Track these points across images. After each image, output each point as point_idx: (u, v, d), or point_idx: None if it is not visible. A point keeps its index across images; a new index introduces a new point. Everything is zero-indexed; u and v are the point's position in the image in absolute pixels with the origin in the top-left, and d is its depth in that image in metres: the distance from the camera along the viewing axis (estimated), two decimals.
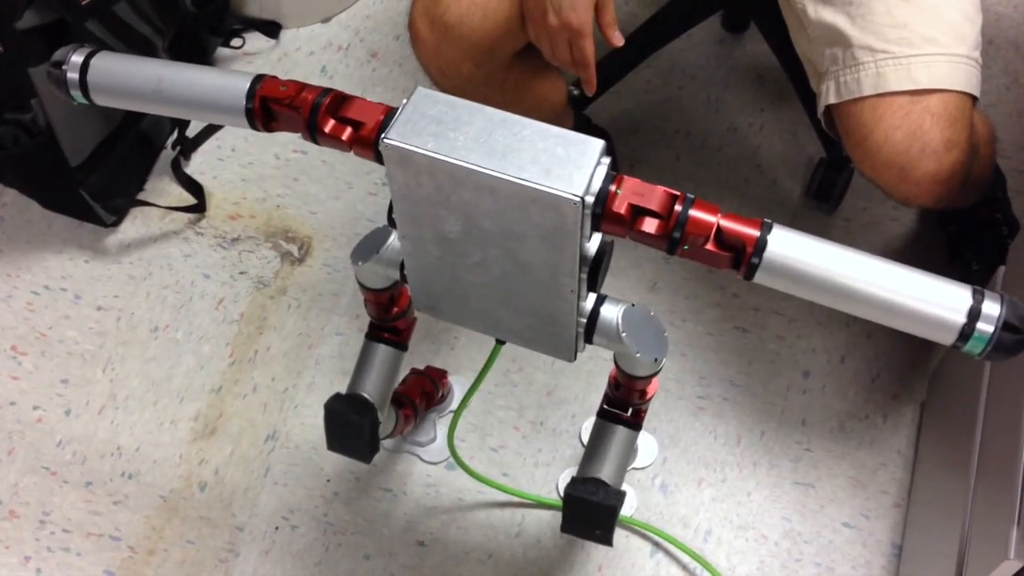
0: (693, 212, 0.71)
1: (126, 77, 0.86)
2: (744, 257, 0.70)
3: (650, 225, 0.71)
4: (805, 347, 1.44)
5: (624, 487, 1.21)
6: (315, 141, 0.81)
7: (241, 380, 1.47)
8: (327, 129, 0.79)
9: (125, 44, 1.49)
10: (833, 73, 1.08)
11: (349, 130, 0.78)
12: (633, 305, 0.89)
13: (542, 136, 0.70)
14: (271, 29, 1.78)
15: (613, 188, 0.70)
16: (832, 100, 1.08)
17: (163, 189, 1.65)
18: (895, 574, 1.28)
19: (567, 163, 0.69)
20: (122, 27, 1.48)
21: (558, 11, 1.02)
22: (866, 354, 1.42)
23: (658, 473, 1.36)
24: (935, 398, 1.34)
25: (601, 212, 0.70)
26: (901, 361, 1.41)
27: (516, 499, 1.35)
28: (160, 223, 1.62)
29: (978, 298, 0.69)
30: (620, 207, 0.70)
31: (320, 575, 1.33)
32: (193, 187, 1.62)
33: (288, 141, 1.67)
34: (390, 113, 0.76)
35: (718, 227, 0.71)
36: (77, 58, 0.86)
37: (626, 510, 1.32)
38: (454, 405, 1.40)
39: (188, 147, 1.66)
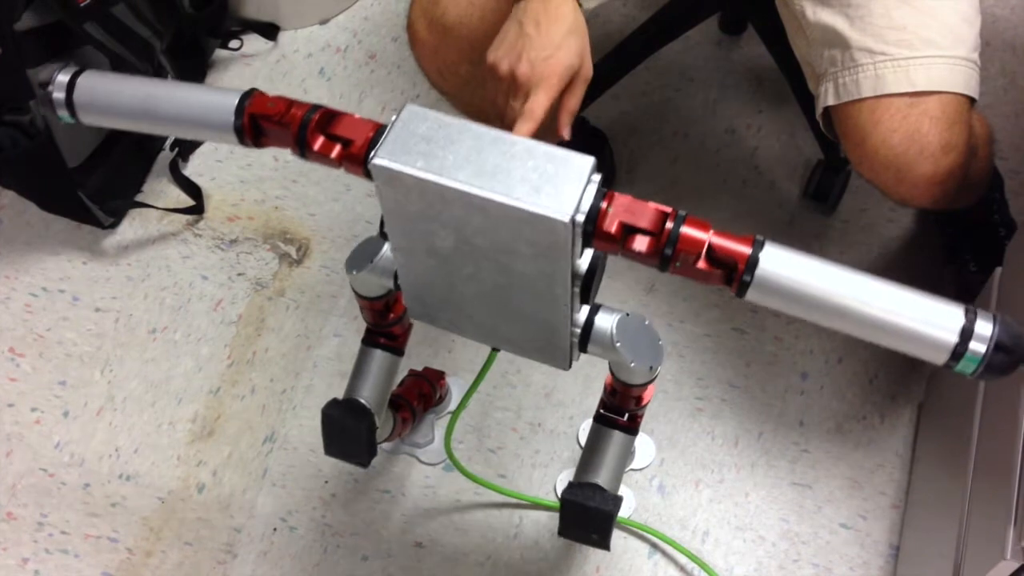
0: (684, 229, 0.70)
1: (113, 95, 0.85)
2: (736, 274, 0.70)
3: (641, 243, 0.70)
4: (803, 348, 1.44)
5: (622, 488, 1.21)
6: (304, 158, 0.80)
7: (239, 382, 1.47)
8: (316, 147, 0.78)
9: (123, 46, 1.49)
10: (831, 75, 1.08)
11: (338, 147, 0.77)
12: (628, 314, 0.89)
13: (532, 154, 0.69)
14: (269, 31, 1.78)
15: (604, 205, 0.70)
16: (830, 102, 1.08)
17: (161, 191, 1.65)
18: (892, 575, 1.29)
19: (557, 182, 0.68)
20: (120, 29, 1.48)
21: (533, 63, 0.91)
22: (864, 355, 1.42)
23: (656, 474, 1.36)
24: (933, 399, 1.34)
25: (592, 230, 0.70)
26: (899, 362, 1.42)
27: (514, 500, 1.35)
28: (158, 225, 1.62)
29: (970, 317, 0.68)
30: (611, 226, 0.70)
31: None
32: (191, 189, 1.62)
33: None
34: (380, 130, 0.75)
35: (709, 244, 0.70)
36: (63, 77, 0.84)
37: (624, 511, 1.32)
38: (452, 406, 1.40)
39: (186, 149, 1.66)
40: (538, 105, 0.90)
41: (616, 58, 1.50)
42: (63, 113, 0.85)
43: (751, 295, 0.70)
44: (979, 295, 1.20)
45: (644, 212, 0.70)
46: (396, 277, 0.91)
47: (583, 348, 0.88)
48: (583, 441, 1.37)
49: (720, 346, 1.45)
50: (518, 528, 1.34)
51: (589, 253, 0.77)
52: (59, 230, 1.62)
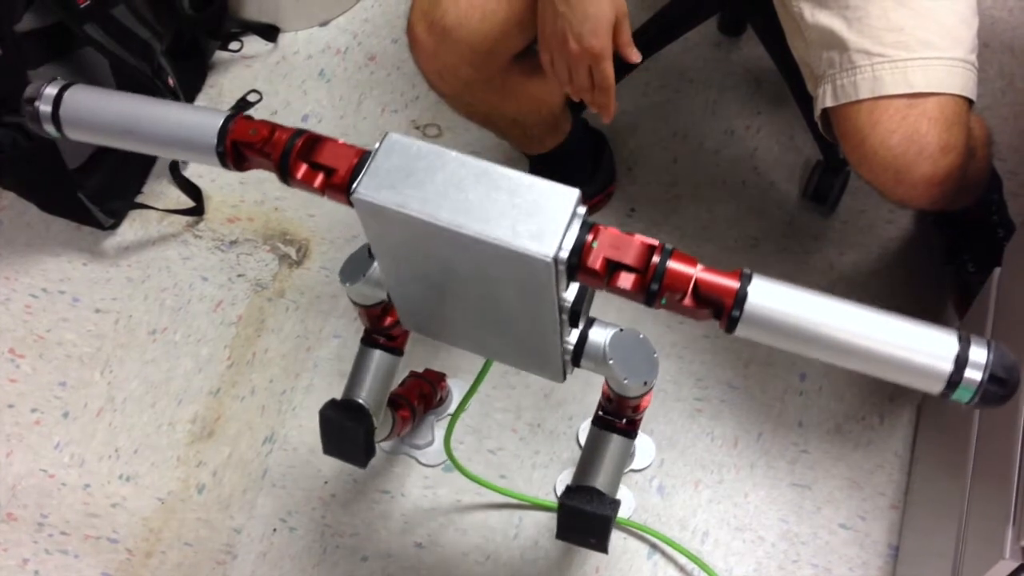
0: (671, 264, 0.68)
1: (98, 112, 0.84)
2: (724, 310, 0.68)
3: (626, 280, 0.69)
4: None
5: (621, 489, 1.21)
6: (287, 184, 0.79)
7: (239, 382, 1.47)
8: (299, 175, 0.77)
9: (123, 47, 1.49)
10: (830, 76, 1.08)
11: (321, 176, 0.76)
12: (622, 330, 0.89)
13: (516, 186, 0.68)
14: (269, 32, 1.79)
15: (589, 239, 0.68)
16: (829, 103, 1.08)
17: (161, 192, 1.65)
18: (892, 575, 1.29)
19: (541, 217, 0.67)
20: (120, 30, 1.48)
21: (579, 38, 1.02)
22: None
23: (656, 475, 1.37)
24: (931, 400, 1.34)
25: (577, 263, 0.68)
26: None
27: (514, 501, 1.35)
28: (158, 226, 1.62)
29: (964, 345, 0.66)
30: (595, 262, 0.68)
31: None
32: (191, 190, 1.62)
33: None
34: (363, 157, 0.74)
35: (696, 281, 0.68)
36: (51, 91, 0.83)
37: (624, 511, 1.33)
38: (452, 409, 1.41)
39: None
40: (606, 75, 1.05)
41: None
42: (49, 127, 0.84)
43: (741, 331, 0.69)
44: (978, 296, 1.20)
45: (630, 247, 0.69)
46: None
47: (576, 363, 0.88)
48: (583, 441, 1.37)
49: (719, 347, 1.45)
50: (518, 528, 1.34)
51: (575, 287, 0.76)
52: (59, 231, 1.62)
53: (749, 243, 1.52)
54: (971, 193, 1.24)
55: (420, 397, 1.29)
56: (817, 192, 1.51)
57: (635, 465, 1.36)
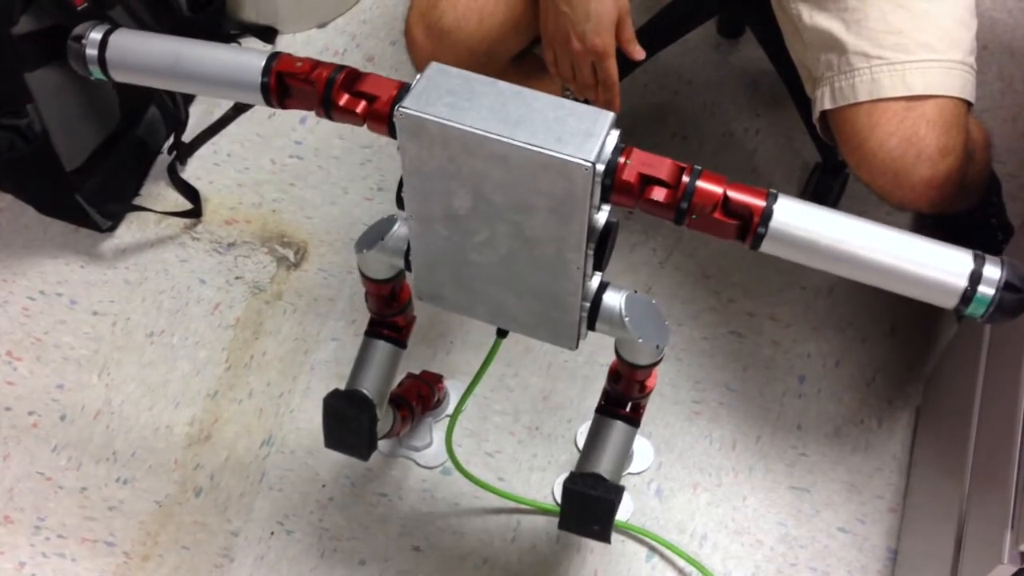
0: (701, 183, 0.72)
1: (143, 53, 0.88)
2: (751, 227, 0.72)
3: (659, 194, 0.73)
4: (800, 352, 1.44)
5: None
6: (329, 117, 0.82)
7: (237, 385, 1.47)
8: (341, 103, 0.80)
9: None
10: (828, 79, 1.08)
11: (363, 104, 0.80)
12: (636, 291, 0.90)
13: (554, 107, 0.72)
14: (267, 34, 1.79)
15: (622, 160, 0.72)
16: (827, 106, 1.08)
17: (159, 194, 1.65)
18: None
19: (578, 132, 0.71)
20: None
21: (582, 36, 1.03)
22: (861, 359, 1.43)
23: (654, 478, 1.36)
24: (930, 402, 1.34)
25: (611, 184, 0.72)
26: (896, 365, 1.42)
27: (512, 504, 1.35)
28: (156, 228, 1.62)
29: (979, 262, 0.71)
30: (630, 176, 0.72)
31: None
32: (189, 192, 1.62)
33: (284, 146, 1.67)
34: (404, 87, 0.79)
35: (725, 196, 0.72)
36: (96, 35, 0.88)
37: (622, 515, 1.32)
38: (450, 410, 1.40)
39: (184, 152, 1.66)
40: (610, 73, 1.06)
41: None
42: (94, 68, 0.88)
43: (766, 246, 0.73)
44: None
45: (662, 165, 0.73)
46: (406, 256, 0.92)
47: (591, 325, 0.89)
48: (581, 444, 1.37)
49: (717, 349, 1.45)
50: (516, 531, 1.34)
51: (605, 213, 0.79)
52: (56, 233, 1.62)
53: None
54: (970, 196, 1.24)
55: (418, 398, 1.29)
56: (816, 194, 1.51)
57: (633, 468, 1.36)
